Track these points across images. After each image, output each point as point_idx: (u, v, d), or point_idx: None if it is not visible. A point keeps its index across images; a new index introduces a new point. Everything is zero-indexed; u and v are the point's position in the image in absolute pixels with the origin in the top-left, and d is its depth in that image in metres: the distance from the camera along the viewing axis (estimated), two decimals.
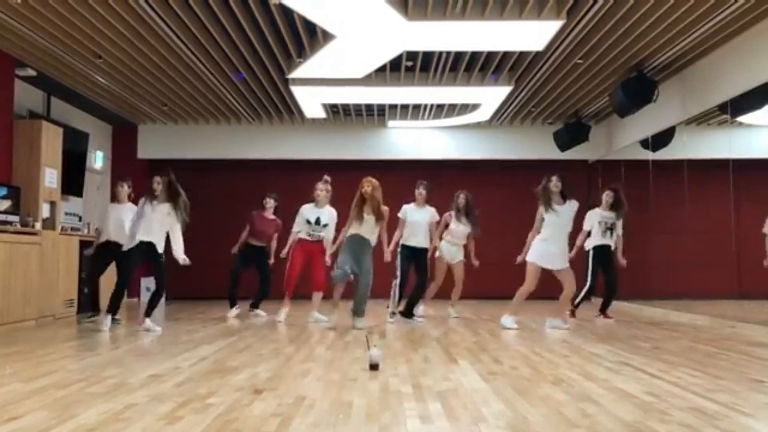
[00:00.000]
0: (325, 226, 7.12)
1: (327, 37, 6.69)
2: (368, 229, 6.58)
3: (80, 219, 8.96)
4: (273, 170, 11.01)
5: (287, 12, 6.20)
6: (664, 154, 8.96)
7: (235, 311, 7.87)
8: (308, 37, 6.98)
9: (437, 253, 7.82)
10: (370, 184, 6.62)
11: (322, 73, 7.82)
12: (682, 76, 8.02)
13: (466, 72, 8.33)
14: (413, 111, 10.32)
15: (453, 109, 10.19)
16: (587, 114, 10.30)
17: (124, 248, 6.48)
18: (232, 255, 7.97)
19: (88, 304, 7.37)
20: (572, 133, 10.23)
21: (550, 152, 10.66)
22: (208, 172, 11.40)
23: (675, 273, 9.16)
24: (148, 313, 6.37)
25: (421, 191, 7.47)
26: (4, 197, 6.93)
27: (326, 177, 7.24)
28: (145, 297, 10.86)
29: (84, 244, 8.01)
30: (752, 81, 6.60)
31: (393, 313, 7.29)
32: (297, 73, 7.85)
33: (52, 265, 7.37)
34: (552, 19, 6.12)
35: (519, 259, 6.80)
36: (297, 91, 8.69)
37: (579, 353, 4.85)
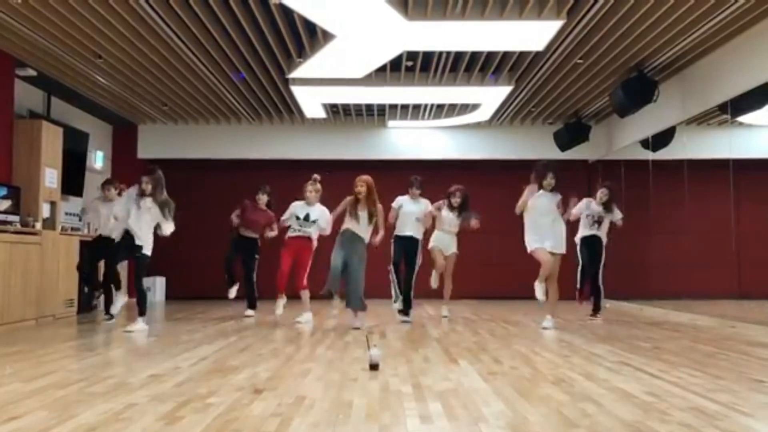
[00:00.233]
0: (314, 222, 7.12)
1: (327, 37, 6.69)
2: (362, 227, 6.60)
3: (80, 219, 8.96)
4: (273, 170, 11.00)
5: (287, 12, 6.20)
6: (665, 154, 8.96)
7: (234, 290, 7.86)
8: (308, 37, 6.98)
9: (430, 245, 7.82)
10: (364, 184, 6.62)
11: (322, 73, 7.82)
12: (682, 76, 8.02)
13: (466, 72, 8.33)
14: (413, 111, 10.33)
15: (453, 109, 10.19)
16: (587, 114, 10.30)
17: (113, 235, 6.59)
18: (231, 233, 7.93)
19: (87, 304, 7.40)
20: (572, 133, 10.23)
21: (551, 152, 10.64)
22: (208, 172, 11.41)
23: (675, 273, 9.16)
24: (142, 312, 6.37)
25: (414, 190, 7.47)
26: (4, 197, 6.93)
27: (315, 176, 7.24)
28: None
29: (84, 245, 8.01)
30: (752, 81, 6.60)
31: (396, 298, 7.32)
32: (297, 73, 7.85)
33: (52, 265, 7.37)
34: (552, 19, 6.12)
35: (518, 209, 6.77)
36: (297, 91, 8.69)
37: (579, 353, 4.85)
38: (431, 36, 6.55)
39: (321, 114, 10.19)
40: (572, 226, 7.23)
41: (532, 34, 6.52)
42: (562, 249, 6.63)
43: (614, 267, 10.12)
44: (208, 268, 9.78)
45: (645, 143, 9.32)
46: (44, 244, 7.24)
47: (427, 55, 7.62)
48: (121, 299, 6.92)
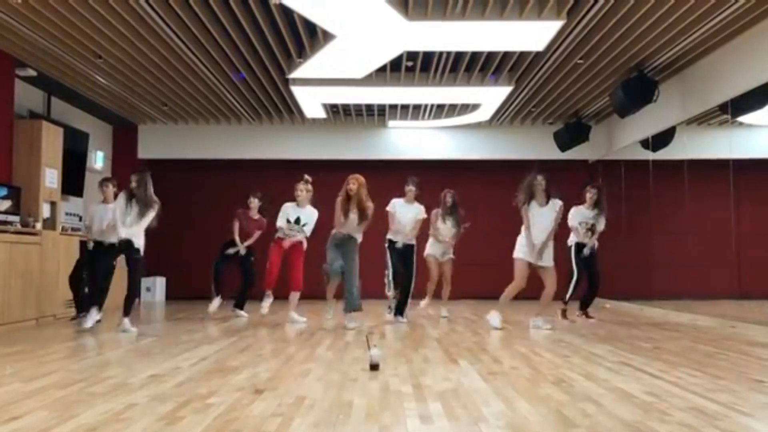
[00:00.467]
0: (304, 225, 7.13)
1: (327, 37, 6.69)
2: (353, 226, 6.60)
3: (80, 219, 8.96)
4: (273, 170, 11.00)
5: (287, 12, 6.20)
6: (665, 154, 8.96)
7: (216, 303, 7.81)
8: (308, 37, 6.98)
9: (426, 252, 7.86)
10: (356, 182, 6.64)
11: (323, 73, 7.82)
12: (682, 76, 8.02)
13: (467, 72, 8.33)
14: (413, 111, 10.33)
15: (453, 110, 10.19)
16: (587, 114, 10.30)
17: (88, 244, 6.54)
18: (243, 248, 7.92)
19: (87, 304, 7.36)
20: (572, 133, 10.23)
21: (551, 152, 10.66)
22: (208, 172, 11.41)
23: (675, 273, 9.17)
24: (126, 312, 6.32)
25: (411, 188, 7.47)
26: (4, 197, 6.93)
27: (307, 177, 7.25)
28: (145, 297, 10.89)
29: (84, 245, 8.00)
30: (752, 81, 6.60)
31: (391, 289, 7.32)
32: (297, 73, 7.85)
33: (52, 265, 7.37)
34: (552, 19, 6.12)
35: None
36: (297, 91, 8.69)
37: (579, 353, 4.85)
38: (431, 36, 6.55)
39: (321, 114, 10.19)
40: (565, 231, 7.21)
41: (532, 35, 6.52)
42: (549, 263, 6.63)
43: (614, 267, 10.13)
44: (208, 268, 9.73)
45: (645, 143, 9.32)
46: (44, 244, 7.24)
47: (427, 55, 7.62)
48: (95, 316, 6.50)
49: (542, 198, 6.59)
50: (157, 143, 11.08)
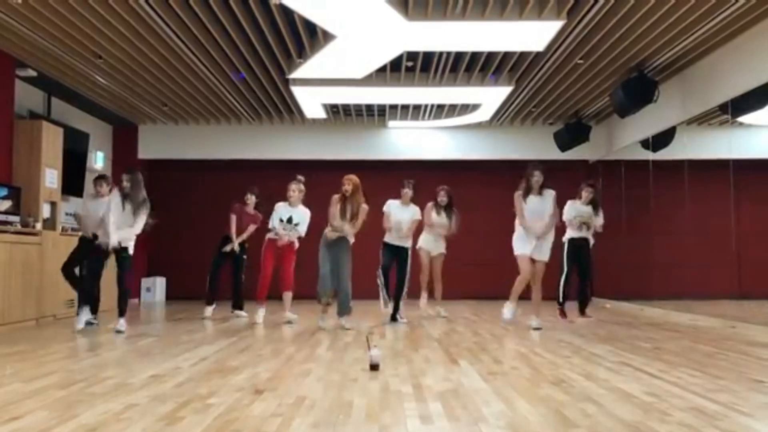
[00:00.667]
0: (296, 225, 7.13)
1: (327, 37, 6.69)
2: (347, 227, 6.60)
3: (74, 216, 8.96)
4: (273, 170, 10.99)
5: (287, 12, 6.20)
6: (665, 154, 8.96)
7: (211, 309, 7.83)
8: (308, 37, 6.98)
9: (418, 245, 7.87)
10: (350, 183, 6.65)
11: (323, 73, 7.82)
12: (682, 77, 8.02)
13: (467, 72, 8.33)
14: (413, 111, 10.33)
15: (453, 110, 10.19)
16: (588, 114, 10.30)
17: (101, 242, 6.42)
18: (237, 245, 7.93)
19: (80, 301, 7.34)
20: (573, 134, 10.23)
21: (551, 152, 10.65)
22: (208, 172, 11.41)
23: (675, 273, 9.16)
24: (122, 312, 6.34)
25: (406, 190, 7.47)
26: (4, 197, 6.93)
27: (299, 177, 7.26)
28: (146, 297, 10.90)
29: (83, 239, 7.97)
30: (753, 81, 6.60)
31: (386, 301, 7.29)
32: (297, 74, 7.85)
33: (52, 266, 7.36)
34: (552, 19, 6.12)
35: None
36: (297, 91, 8.69)
37: (579, 353, 4.85)
38: (431, 36, 6.54)
39: (321, 114, 10.19)
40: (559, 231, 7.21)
41: (532, 35, 6.51)
42: (545, 257, 6.62)
43: (614, 267, 10.13)
44: (208, 269, 9.77)
45: (645, 143, 9.32)
46: (44, 244, 7.25)
47: (428, 56, 7.62)
48: (84, 317, 6.47)
49: (537, 190, 6.61)
50: (157, 143, 11.08)
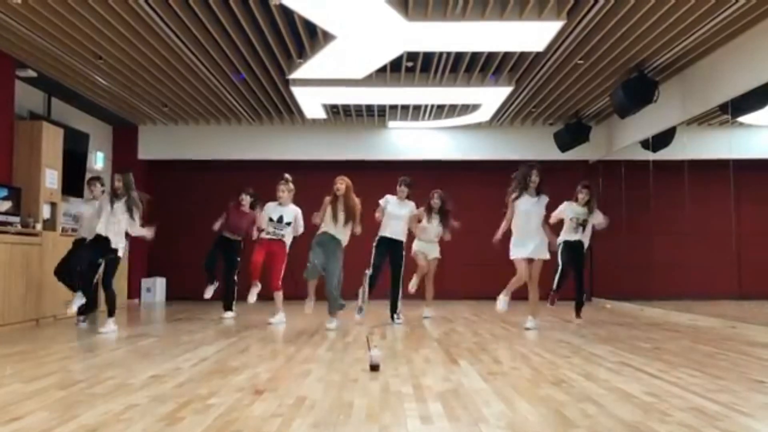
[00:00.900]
0: (288, 224, 7.15)
1: (327, 37, 6.69)
2: (339, 228, 6.61)
3: (75, 219, 8.96)
4: (273, 171, 10.89)
5: (287, 12, 6.20)
6: (665, 154, 8.95)
7: (211, 289, 7.86)
8: (308, 37, 6.98)
9: (413, 249, 7.86)
10: (343, 183, 6.67)
11: (323, 73, 7.82)
12: (682, 77, 8.02)
13: (467, 72, 8.32)
14: (413, 111, 10.32)
15: (453, 110, 10.19)
16: (588, 114, 10.30)
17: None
18: (214, 231, 7.95)
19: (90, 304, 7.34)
20: (573, 134, 10.23)
21: (551, 153, 10.65)
22: (208, 173, 11.40)
23: (675, 273, 9.16)
24: (111, 312, 6.36)
25: (402, 189, 7.46)
26: (4, 198, 6.93)
27: (286, 176, 7.27)
28: (146, 297, 10.89)
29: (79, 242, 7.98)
30: (753, 81, 6.60)
31: (360, 309, 7.18)
32: (297, 74, 7.85)
33: (52, 266, 7.35)
34: (552, 19, 6.12)
35: (496, 238, 6.77)
36: (297, 91, 8.69)
37: (579, 354, 4.85)
38: (431, 36, 6.54)
39: (321, 114, 10.19)
40: (555, 229, 7.20)
41: (532, 35, 6.51)
42: (545, 255, 6.65)
43: (614, 267, 10.13)
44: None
45: (645, 144, 9.32)
46: (45, 244, 7.24)
47: (428, 56, 7.61)
48: (79, 301, 6.42)
49: (533, 192, 6.61)
50: (158, 144, 11.08)
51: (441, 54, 7.51)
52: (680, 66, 7.79)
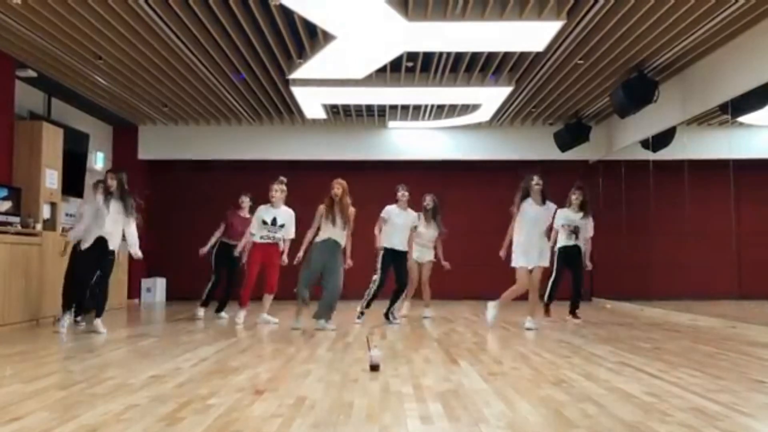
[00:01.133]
0: (281, 226, 7.12)
1: (327, 37, 6.69)
2: (338, 231, 6.61)
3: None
4: (273, 171, 10.86)
5: (287, 12, 6.20)
6: (665, 154, 8.96)
7: (203, 311, 7.84)
8: (308, 37, 6.98)
9: (411, 259, 7.89)
10: (340, 187, 6.68)
11: (323, 73, 7.82)
12: (682, 77, 8.02)
13: (467, 73, 8.32)
14: (413, 111, 10.32)
15: (453, 110, 10.19)
16: (588, 114, 10.30)
17: (81, 245, 6.39)
18: (203, 254, 7.91)
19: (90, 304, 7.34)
20: (573, 134, 10.23)
21: (551, 152, 10.66)
22: (208, 173, 11.40)
23: (675, 273, 9.16)
24: (99, 313, 6.33)
25: (404, 193, 7.48)
26: (4, 198, 6.93)
27: (281, 178, 7.27)
28: (146, 298, 10.89)
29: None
30: (753, 81, 6.60)
31: (361, 313, 7.25)
32: (297, 74, 7.85)
33: (52, 266, 7.36)
34: (552, 19, 6.12)
35: (501, 253, 6.79)
36: (297, 91, 8.69)
37: (579, 354, 4.85)
38: (431, 36, 6.54)
39: (321, 115, 10.19)
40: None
41: (532, 35, 6.52)
42: (546, 262, 6.75)
43: (614, 267, 10.13)
44: (209, 269, 9.77)
45: (645, 143, 9.32)
46: (45, 245, 7.24)
47: (428, 56, 7.61)
48: (64, 320, 6.39)
49: (538, 198, 6.63)
50: (158, 144, 11.08)
51: (441, 54, 7.51)
52: (680, 66, 7.79)
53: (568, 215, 7.56)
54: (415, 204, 7.78)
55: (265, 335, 6.14)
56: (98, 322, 6.25)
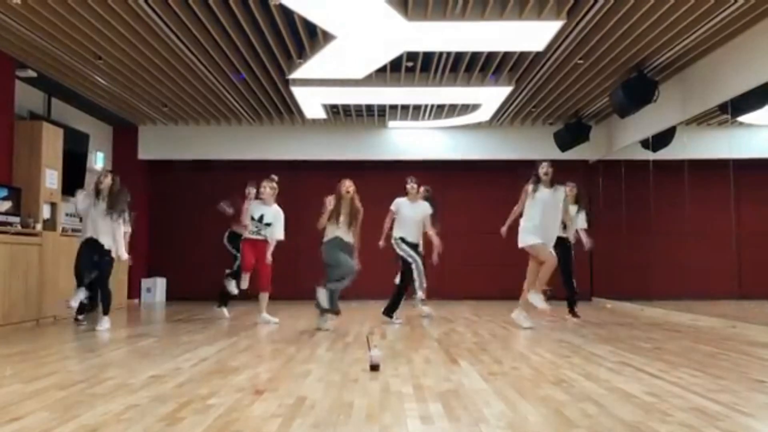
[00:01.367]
0: (267, 225, 7.15)
1: (327, 37, 6.69)
2: (343, 229, 6.59)
3: (81, 220, 8.96)
4: (273, 171, 10.90)
5: (287, 12, 6.20)
6: (665, 154, 8.95)
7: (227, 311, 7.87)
8: (308, 37, 6.98)
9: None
10: (352, 186, 6.66)
11: (323, 73, 7.82)
12: (682, 76, 8.02)
13: (467, 72, 8.32)
14: (413, 111, 10.32)
15: (453, 110, 10.19)
16: (588, 114, 10.30)
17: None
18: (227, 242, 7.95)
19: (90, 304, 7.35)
20: (573, 133, 10.23)
21: (551, 152, 10.62)
22: (208, 173, 11.40)
23: (675, 273, 9.16)
24: (106, 311, 6.45)
25: (413, 185, 7.51)
26: (4, 198, 6.93)
27: (273, 176, 7.33)
28: (146, 298, 10.89)
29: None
30: (752, 81, 6.60)
31: (423, 299, 7.35)
32: (297, 74, 7.85)
33: (52, 266, 7.37)
34: (552, 19, 6.12)
35: (502, 230, 6.82)
36: (297, 91, 8.69)
37: (580, 353, 4.85)
38: (431, 36, 6.55)
39: (321, 115, 10.19)
40: None
41: (532, 35, 6.52)
42: (551, 247, 6.70)
43: (615, 267, 10.13)
44: (209, 269, 9.77)
45: (645, 143, 9.32)
46: (45, 245, 7.24)
47: (428, 56, 7.61)
48: (80, 295, 6.52)
49: (548, 183, 6.65)
50: (158, 144, 11.07)
51: (441, 54, 7.51)
52: (680, 66, 7.79)
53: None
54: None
55: (265, 335, 6.14)
56: (105, 319, 6.38)
